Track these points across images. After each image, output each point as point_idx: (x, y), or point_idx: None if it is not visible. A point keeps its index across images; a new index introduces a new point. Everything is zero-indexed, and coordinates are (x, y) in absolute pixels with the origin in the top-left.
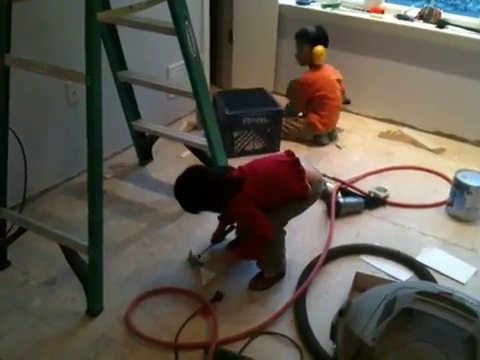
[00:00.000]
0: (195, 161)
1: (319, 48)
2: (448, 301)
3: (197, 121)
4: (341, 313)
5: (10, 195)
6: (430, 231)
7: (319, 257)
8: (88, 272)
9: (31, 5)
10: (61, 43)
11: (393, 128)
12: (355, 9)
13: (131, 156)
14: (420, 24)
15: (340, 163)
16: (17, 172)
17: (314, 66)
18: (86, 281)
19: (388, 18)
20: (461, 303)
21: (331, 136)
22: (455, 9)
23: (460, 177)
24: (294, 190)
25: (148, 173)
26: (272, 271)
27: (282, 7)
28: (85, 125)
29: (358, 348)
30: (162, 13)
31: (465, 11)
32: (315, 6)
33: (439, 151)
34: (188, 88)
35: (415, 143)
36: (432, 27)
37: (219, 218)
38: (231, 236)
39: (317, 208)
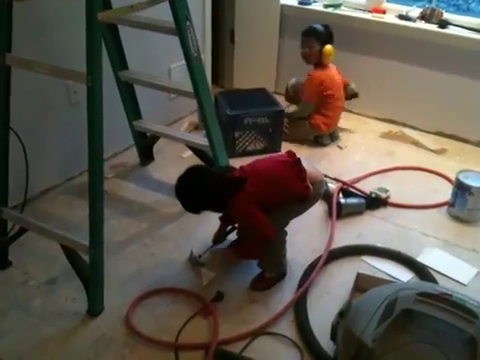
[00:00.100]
0: (196, 161)
1: (329, 47)
2: (448, 302)
3: (198, 121)
4: (341, 314)
5: (11, 195)
6: (431, 232)
7: (320, 257)
8: (89, 272)
9: (32, 5)
10: (62, 43)
11: (394, 128)
12: (357, 9)
13: (132, 156)
14: (422, 24)
15: (341, 163)
16: (18, 172)
17: (321, 65)
18: (87, 281)
19: (390, 18)
20: (461, 304)
21: (332, 136)
22: (458, 9)
23: (462, 178)
24: (295, 190)
25: (149, 173)
26: (273, 271)
27: (284, 7)
28: (86, 125)
29: (358, 349)
30: (163, 13)
31: (468, 11)
32: (317, 6)
33: (440, 151)
34: (189, 88)
35: (416, 143)
36: (434, 27)
37: (220, 219)
38: (232, 237)
39: (318, 208)
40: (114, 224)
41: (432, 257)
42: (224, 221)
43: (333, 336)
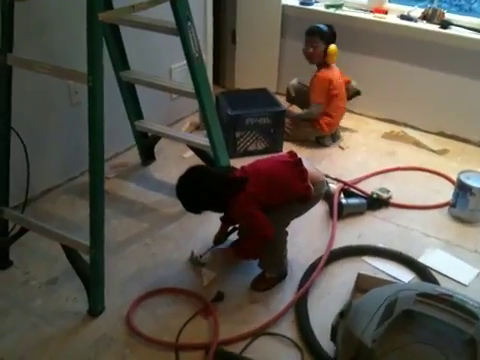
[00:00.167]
0: (197, 161)
1: (334, 47)
2: (449, 303)
3: (200, 121)
4: (341, 314)
5: (12, 195)
6: (433, 232)
7: (321, 258)
8: (89, 272)
9: (33, 5)
10: (63, 43)
11: (396, 129)
12: (358, 9)
13: (133, 156)
14: (423, 24)
15: (343, 164)
16: (19, 172)
17: (326, 65)
18: (87, 281)
19: (391, 18)
20: (462, 305)
21: (334, 137)
22: (460, 10)
23: (463, 178)
24: (296, 190)
25: (150, 173)
26: (274, 272)
27: (285, 7)
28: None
29: (358, 349)
30: (165, 13)
31: (470, 12)
32: (318, 6)
33: (442, 152)
34: (191, 88)
35: (418, 144)
36: (435, 27)
37: (221, 219)
38: (233, 238)
39: (319, 209)
40: (115, 224)
41: (433, 258)
42: (225, 222)
43: (333, 337)
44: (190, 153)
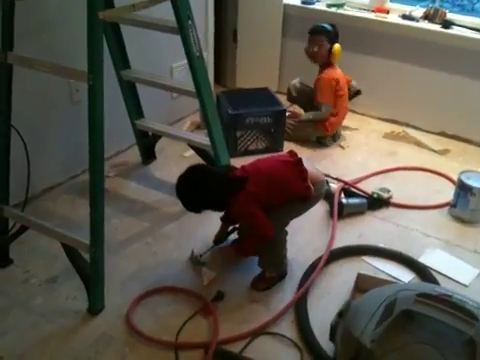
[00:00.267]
0: (198, 160)
1: (338, 47)
2: (448, 303)
3: (200, 120)
4: (341, 314)
5: (13, 193)
6: (433, 232)
7: (321, 257)
8: (89, 270)
9: (34, 3)
10: (63, 41)
11: (397, 128)
12: (360, 9)
13: (134, 155)
14: (425, 24)
15: (343, 163)
16: (20, 170)
17: (329, 65)
18: (87, 279)
19: (393, 18)
20: (461, 305)
21: (335, 136)
22: (462, 9)
23: (464, 178)
24: (297, 190)
25: (151, 172)
26: (273, 271)
27: (287, 7)
28: None
29: (357, 350)
30: (165, 12)
31: (472, 12)
32: (320, 6)
33: (443, 152)
34: (191, 87)
35: (419, 144)
36: (437, 27)
37: (221, 219)
38: (233, 237)
39: (320, 208)
40: (116, 223)
41: (434, 258)
42: (225, 221)
43: (332, 337)
44: (191, 152)
